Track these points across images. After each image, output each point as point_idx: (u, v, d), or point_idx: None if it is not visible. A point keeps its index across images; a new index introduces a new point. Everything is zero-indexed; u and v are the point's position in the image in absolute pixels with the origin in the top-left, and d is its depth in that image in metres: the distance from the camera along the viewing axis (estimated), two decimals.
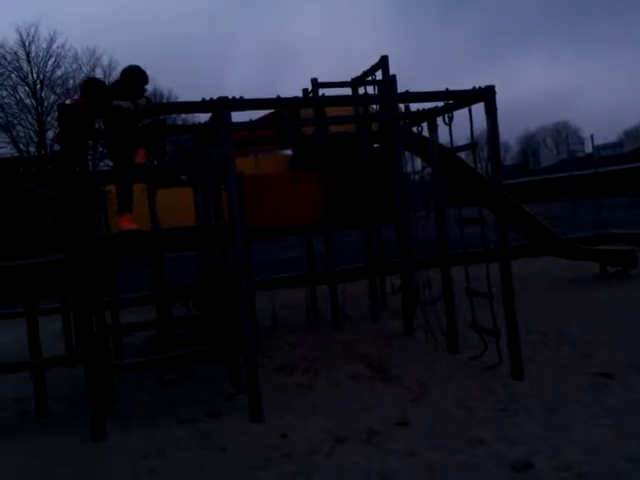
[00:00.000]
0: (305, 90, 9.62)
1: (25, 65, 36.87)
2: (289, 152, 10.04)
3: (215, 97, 5.35)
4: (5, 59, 35.83)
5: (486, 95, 5.82)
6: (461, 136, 6.93)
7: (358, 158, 8.77)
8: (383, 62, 8.69)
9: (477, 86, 5.87)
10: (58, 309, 7.62)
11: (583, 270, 11.05)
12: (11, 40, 36.55)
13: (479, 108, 5.94)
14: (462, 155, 9.98)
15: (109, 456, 4.59)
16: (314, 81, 9.21)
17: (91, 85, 6.19)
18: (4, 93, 35.28)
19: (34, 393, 5.69)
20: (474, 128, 6.22)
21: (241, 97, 5.50)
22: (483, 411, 4.90)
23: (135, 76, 5.56)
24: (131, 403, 5.85)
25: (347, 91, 9.39)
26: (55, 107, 34.03)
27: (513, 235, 8.24)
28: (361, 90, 9.25)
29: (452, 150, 7.09)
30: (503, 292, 5.81)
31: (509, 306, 5.79)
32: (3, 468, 4.55)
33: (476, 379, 5.72)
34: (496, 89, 5.84)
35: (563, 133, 71.53)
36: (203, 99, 5.44)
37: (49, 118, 34.05)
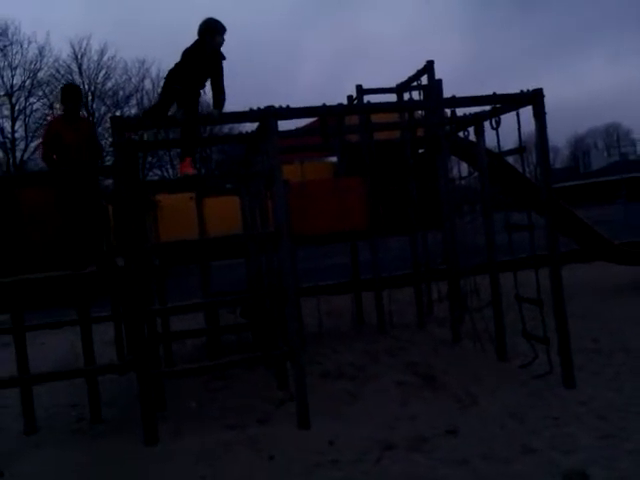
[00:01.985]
0: (350, 97, 9.65)
1: (77, 77, 37.99)
2: (334, 159, 10.08)
3: (262, 107, 5.43)
4: (59, 72, 37.05)
5: (534, 98, 5.74)
6: (508, 140, 6.84)
7: (404, 164, 8.74)
8: (429, 67, 8.65)
9: (525, 89, 5.80)
10: (110, 317, 7.82)
11: (636, 275, 10.72)
12: (64, 53, 37.84)
13: (527, 111, 5.87)
14: (510, 159, 9.82)
15: (161, 461, 4.69)
16: (359, 88, 9.24)
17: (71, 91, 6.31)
18: (58, 105, 36.41)
19: (88, 399, 5.86)
20: (521, 131, 6.16)
21: (287, 106, 5.57)
22: (534, 420, 4.82)
23: (208, 30, 5.58)
24: (181, 409, 5.95)
25: (392, 97, 9.39)
26: (106, 118, 35.00)
27: (562, 240, 8.08)
28: (406, 96, 9.24)
29: (500, 154, 7.01)
30: (553, 298, 5.70)
31: (560, 313, 5.68)
32: (61, 473, 4.69)
33: (526, 387, 5.63)
34: (544, 92, 5.76)
35: (614, 135, 69.46)
36: (250, 109, 5.52)
37: (100, 129, 34.97)
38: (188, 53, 5.56)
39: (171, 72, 5.64)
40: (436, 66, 8.59)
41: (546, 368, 5.82)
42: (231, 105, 5.81)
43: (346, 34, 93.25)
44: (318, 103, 5.79)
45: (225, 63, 5.67)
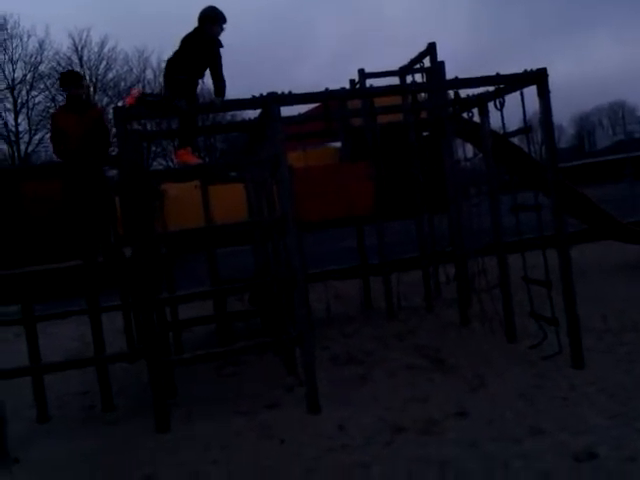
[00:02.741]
0: (352, 81, 9.60)
1: (78, 69, 37.93)
2: (338, 144, 10.04)
3: (264, 93, 5.41)
4: (60, 65, 36.99)
5: (538, 78, 5.69)
6: (512, 120, 6.79)
7: (408, 147, 8.69)
8: (431, 49, 8.59)
9: (528, 69, 5.75)
10: (119, 306, 7.86)
11: None
12: (64, 46, 37.77)
13: (532, 90, 5.82)
14: (515, 139, 9.77)
15: (173, 448, 4.73)
16: (361, 72, 9.17)
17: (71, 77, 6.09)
18: (59, 98, 36.40)
19: (99, 388, 5.91)
20: (526, 110, 6.12)
21: (290, 92, 5.55)
22: (543, 401, 4.83)
23: (209, 17, 5.55)
24: (191, 396, 5.99)
25: (395, 80, 9.33)
26: (108, 109, 34.92)
27: (570, 220, 8.05)
28: (409, 78, 9.18)
29: (505, 135, 6.96)
30: (562, 279, 5.68)
31: (568, 293, 5.66)
32: (72, 460, 4.75)
33: (535, 368, 5.63)
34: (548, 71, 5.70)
35: (619, 113, 68.90)
36: (253, 96, 5.50)
37: None
38: (187, 40, 5.54)
39: (171, 61, 5.61)
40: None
41: (555, 349, 5.81)
42: (237, 91, 5.78)
43: (353, 16, 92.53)
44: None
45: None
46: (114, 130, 5.81)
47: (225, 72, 5.63)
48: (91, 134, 5.88)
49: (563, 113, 66.09)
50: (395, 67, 9.44)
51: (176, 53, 5.58)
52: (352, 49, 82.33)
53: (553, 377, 5.34)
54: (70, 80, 5.99)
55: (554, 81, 5.71)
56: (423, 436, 4.43)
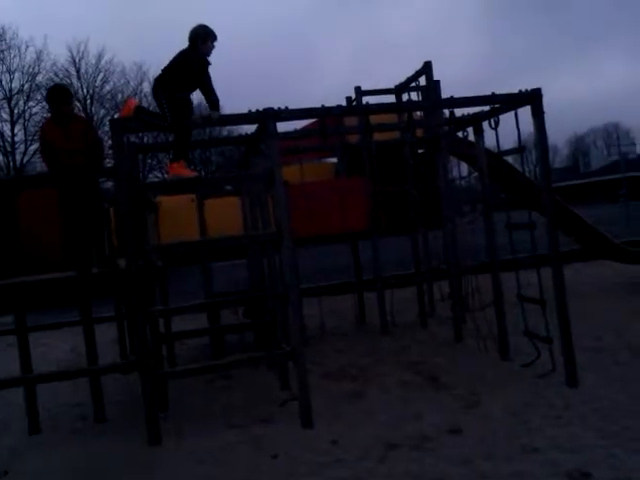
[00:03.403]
0: (349, 98, 9.67)
1: (75, 81, 38.08)
2: (334, 160, 10.10)
3: (261, 109, 5.44)
4: (57, 76, 37.05)
5: (533, 98, 5.75)
6: (508, 140, 6.85)
7: (403, 164, 8.75)
8: (427, 67, 8.68)
9: (523, 89, 5.81)
10: (113, 317, 7.84)
11: (638, 274, 10.72)
12: (62, 57, 37.87)
13: (526, 111, 5.88)
14: (509, 159, 9.84)
15: (164, 461, 4.69)
16: (357, 89, 9.25)
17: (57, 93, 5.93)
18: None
19: (92, 399, 5.87)
20: (521, 131, 6.17)
21: (286, 107, 5.59)
22: (536, 419, 4.82)
23: (199, 35, 5.52)
24: (184, 409, 5.96)
25: (391, 98, 9.42)
26: (105, 121, 34.99)
27: (564, 240, 8.09)
28: (405, 96, 9.26)
29: (499, 154, 7.02)
30: (556, 297, 5.70)
31: (562, 312, 5.68)
32: (64, 472, 4.70)
33: (529, 386, 5.63)
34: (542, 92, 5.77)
35: (613, 135, 69.51)
36: (249, 111, 5.53)
37: (99, 132, 34.99)
38: (178, 58, 5.55)
39: (160, 79, 5.59)
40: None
41: (549, 367, 5.82)
42: (237, 106, 5.81)
43: (358, 34, 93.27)
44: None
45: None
46: (109, 142, 5.80)
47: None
48: (80, 146, 5.75)
49: (558, 134, 66.81)
50: (391, 85, 9.54)
51: (166, 71, 5.58)
52: (353, 66, 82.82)
53: (546, 395, 5.33)
54: (59, 97, 5.84)
55: (549, 102, 5.78)
56: (417, 452, 4.41)
